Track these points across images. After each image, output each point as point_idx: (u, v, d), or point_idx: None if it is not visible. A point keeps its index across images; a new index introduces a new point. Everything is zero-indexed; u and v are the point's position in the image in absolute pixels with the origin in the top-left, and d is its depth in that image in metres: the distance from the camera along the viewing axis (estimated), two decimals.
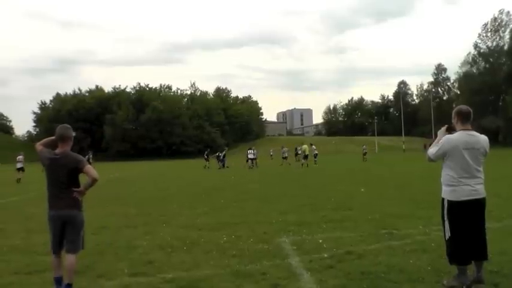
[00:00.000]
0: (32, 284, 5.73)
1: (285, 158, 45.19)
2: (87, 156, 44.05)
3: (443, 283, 5.19)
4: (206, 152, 47.04)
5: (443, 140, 5.20)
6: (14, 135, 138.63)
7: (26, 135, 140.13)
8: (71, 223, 5.27)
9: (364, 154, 50.08)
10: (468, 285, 5.05)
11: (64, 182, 5.25)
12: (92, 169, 5.30)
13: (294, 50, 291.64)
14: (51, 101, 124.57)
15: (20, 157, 30.68)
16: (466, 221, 5.10)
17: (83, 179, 5.26)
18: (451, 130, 5.34)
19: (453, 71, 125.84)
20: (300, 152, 41.10)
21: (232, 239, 8.19)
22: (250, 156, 40.44)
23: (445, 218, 5.21)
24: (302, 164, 37.79)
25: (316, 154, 40.75)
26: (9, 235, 9.37)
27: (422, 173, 23.12)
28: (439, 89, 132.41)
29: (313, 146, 41.65)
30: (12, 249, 7.90)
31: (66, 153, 5.32)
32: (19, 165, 30.30)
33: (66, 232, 5.27)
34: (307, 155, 38.36)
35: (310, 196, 14.98)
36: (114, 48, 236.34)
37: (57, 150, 5.36)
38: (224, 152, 43.78)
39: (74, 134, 5.50)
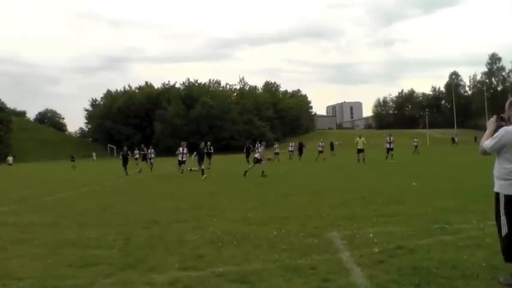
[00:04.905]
0: (85, 276, 5.88)
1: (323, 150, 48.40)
2: (205, 146, 38.18)
3: (499, 280, 4.99)
4: (147, 151, 36.45)
5: (502, 131, 4.95)
6: (67, 132, 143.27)
7: (78, 131, 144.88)
8: None
9: (416, 147, 50.38)
10: None
11: None
12: None
13: (341, 43, 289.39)
14: (102, 98, 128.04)
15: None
16: None
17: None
18: (501, 120, 5.14)
19: (508, 60, 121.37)
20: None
21: (282, 233, 8.17)
22: (290, 148, 47.07)
23: (502, 213, 4.99)
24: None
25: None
26: (63, 229, 9.63)
27: (475, 166, 22.50)
28: (493, 80, 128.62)
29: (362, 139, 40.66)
30: (66, 243, 8.12)
31: None
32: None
33: None
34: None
35: (361, 190, 14.81)
36: (163, 45, 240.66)
37: None
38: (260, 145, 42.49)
39: None
